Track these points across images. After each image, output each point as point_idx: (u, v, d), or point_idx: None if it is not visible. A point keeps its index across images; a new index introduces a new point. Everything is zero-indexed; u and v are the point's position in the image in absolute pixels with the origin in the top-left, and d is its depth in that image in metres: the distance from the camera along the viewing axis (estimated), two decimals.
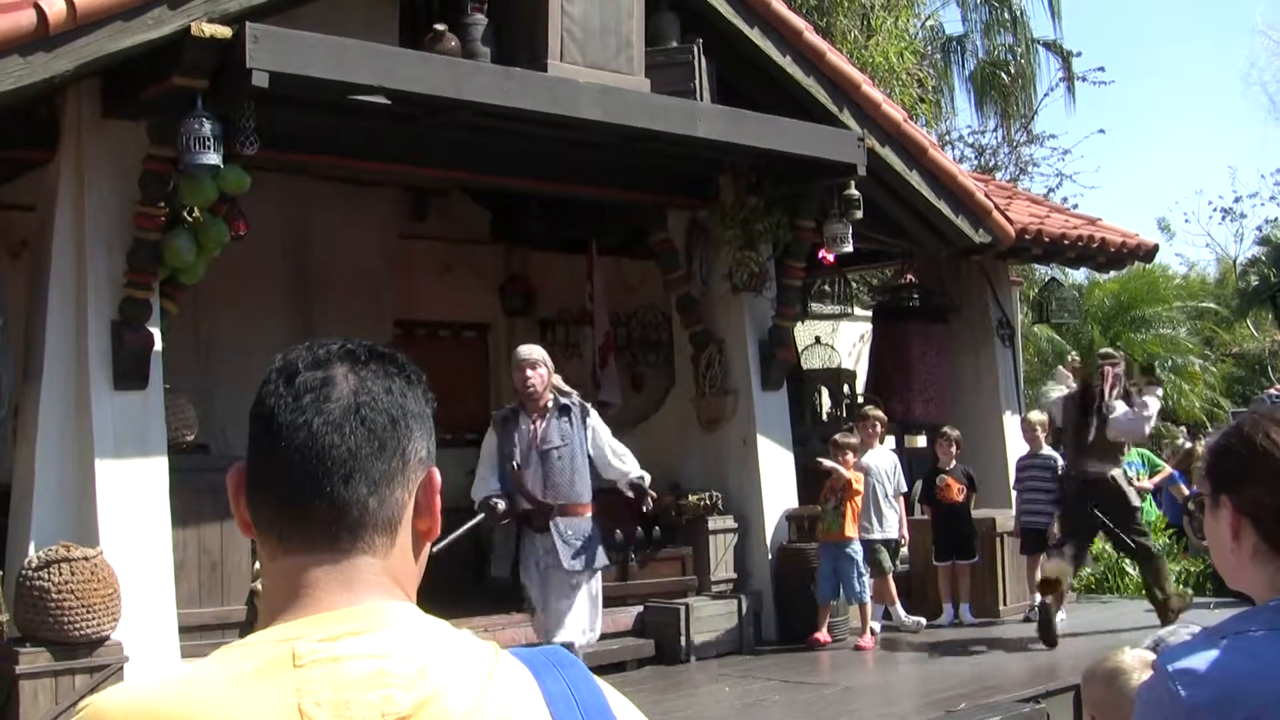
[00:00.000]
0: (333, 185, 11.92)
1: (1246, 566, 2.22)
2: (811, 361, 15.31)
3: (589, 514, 8.59)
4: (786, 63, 10.71)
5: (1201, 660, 2.06)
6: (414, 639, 1.44)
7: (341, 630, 1.42)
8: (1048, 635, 10.50)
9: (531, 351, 8.54)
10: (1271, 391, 5.01)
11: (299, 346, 1.59)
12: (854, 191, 11.03)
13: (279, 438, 1.50)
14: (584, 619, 8.48)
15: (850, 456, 10.90)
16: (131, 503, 8.24)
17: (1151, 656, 3.29)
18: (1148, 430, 11.40)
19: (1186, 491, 15.93)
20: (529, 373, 8.35)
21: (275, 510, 1.51)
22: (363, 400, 1.52)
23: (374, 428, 1.51)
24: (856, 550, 10.81)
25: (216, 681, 1.38)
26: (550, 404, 8.46)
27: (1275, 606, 2.14)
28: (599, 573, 8.69)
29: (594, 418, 8.73)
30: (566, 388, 8.63)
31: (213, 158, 7.80)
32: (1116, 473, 10.86)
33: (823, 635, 10.75)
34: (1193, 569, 14.31)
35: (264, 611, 1.51)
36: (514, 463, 8.32)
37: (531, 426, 8.42)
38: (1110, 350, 12.39)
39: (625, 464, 8.88)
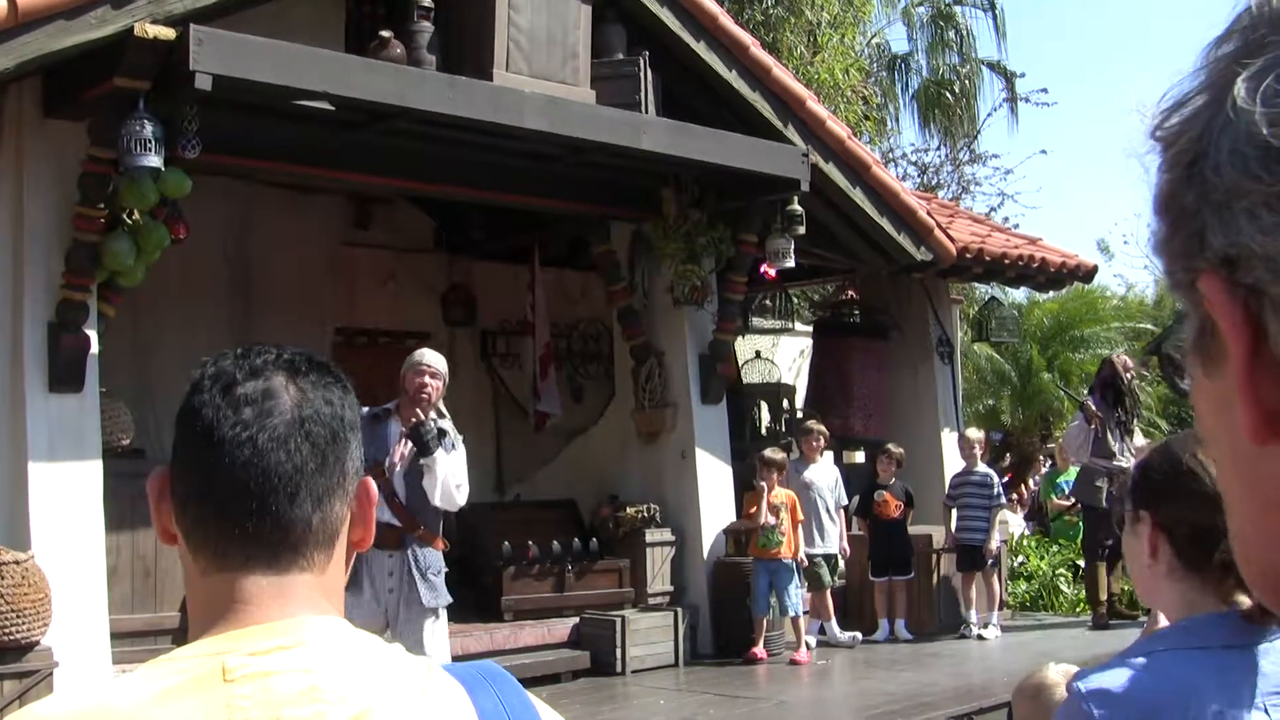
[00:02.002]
0: (275, 191, 11.85)
1: (1161, 583, 2.25)
2: (751, 376, 15.34)
3: (441, 548, 7.71)
4: (732, 77, 10.74)
5: (1114, 680, 2.08)
6: (345, 655, 1.42)
7: (273, 645, 1.39)
8: None
9: (437, 359, 7.83)
10: None
11: (229, 353, 1.53)
12: (797, 207, 11.06)
13: (219, 452, 1.45)
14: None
15: (777, 475, 10.90)
16: (65, 507, 8.14)
17: (1072, 668, 3.33)
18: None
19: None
20: (428, 379, 7.61)
21: (213, 526, 1.46)
22: (306, 414, 1.48)
23: (317, 443, 1.48)
24: (793, 565, 10.84)
25: (145, 696, 1.34)
26: (425, 417, 7.59)
27: (1185, 626, 2.17)
28: (444, 614, 7.77)
29: (462, 450, 7.80)
30: (444, 409, 7.84)
31: (154, 160, 7.74)
32: None
33: (760, 651, 10.76)
34: (1127, 587, 14.41)
35: (192, 625, 1.48)
36: (384, 463, 7.44)
37: (400, 431, 7.63)
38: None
39: (455, 494, 7.67)
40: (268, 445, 1.45)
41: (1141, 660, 2.11)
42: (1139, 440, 11.56)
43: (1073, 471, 15.49)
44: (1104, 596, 12.09)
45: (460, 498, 7.71)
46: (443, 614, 7.69)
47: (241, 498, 1.44)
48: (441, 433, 7.59)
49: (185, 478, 1.48)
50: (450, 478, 7.57)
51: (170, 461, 1.51)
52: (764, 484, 10.74)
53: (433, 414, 7.64)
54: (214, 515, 1.46)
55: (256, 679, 1.36)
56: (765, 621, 10.86)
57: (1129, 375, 11.79)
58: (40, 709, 1.37)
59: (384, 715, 1.38)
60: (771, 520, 10.70)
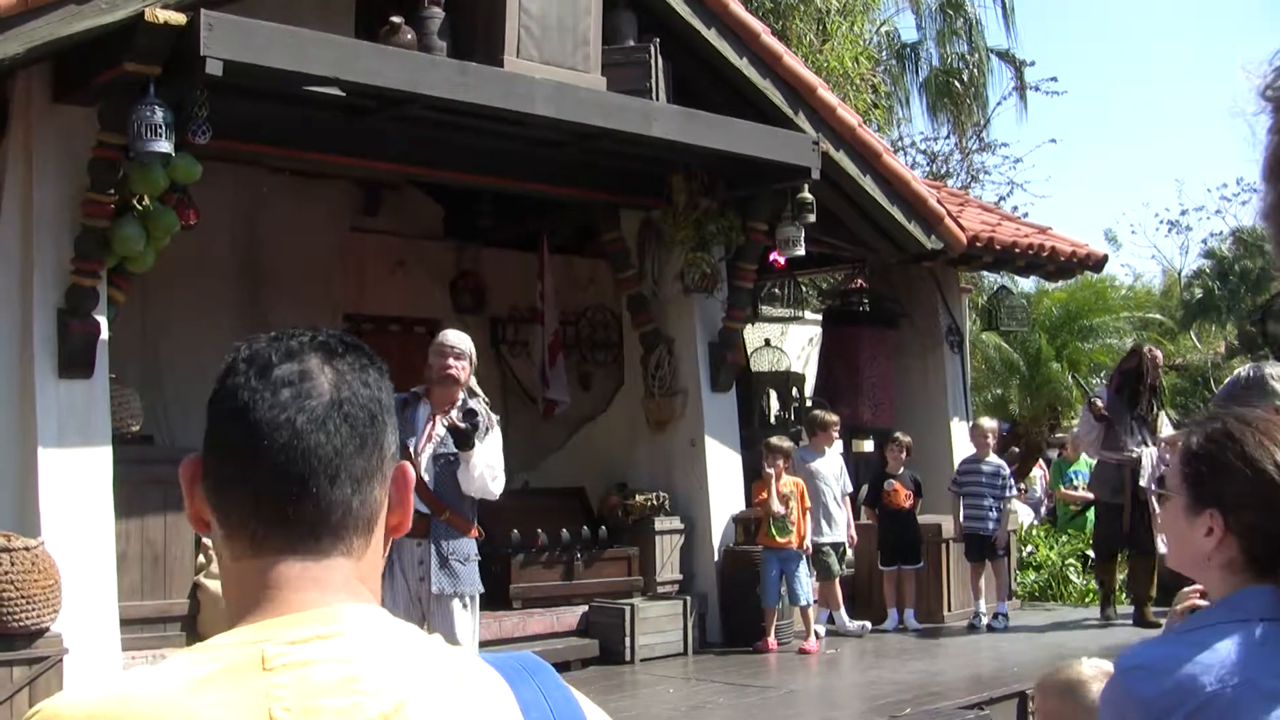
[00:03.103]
0: (284, 177, 11.82)
1: (1214, 571, 2.25)
2: (760, 364, 15.31)
3: (474, 534, 7.62)
4: (743, 65, 10.70)
5: (1153, 656, 2.11)
6: (384, 644, 1.40)
7: (310, 633, 1.37)
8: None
9: (461, 339, 7.65)
10: (1243, 372, 4.99)
11: (263, 336, 1.52)
12: (807, 195, 11.03)
13: (258, 435, 1.43)
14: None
15: (783, 462, 10.88)
16: (74, 493, 8.14)
17: (1109, 666, 3.30)
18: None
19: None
20: (451, 361, 7.49)
21: (251, 510, 1.44)
22: (344, 396, 1.47)
23: (355, 424, 1.46)
24: (802, 553, 10.82)
25: (180, 685, 1.32)
26: (459, 402, 7.52)
27: (1227, 601, 2.18)
28: (476, 600, 7.68)
29: (496, 431, 7.68)
30: (478, 389, 7.74)
31: (164, 146, 7.72)
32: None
33: (770, 641, 10.74)
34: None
35: (230, 612, 1.45)
36: (410, 448, 7.35)
37: (430, 420, 7.54)
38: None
39: (490, 484, 7.55)
40: (306, 427, 1.44)
41: (1182, 635, 2.13)
42: (1166, 429, 11.46)
43: (1082, 462, 15.48)
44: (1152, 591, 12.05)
45: (496, 488, 7.58)
46: (472, 601, 7.59)
47: (281, 480, 1.43)
48: (471, 413, 7.40)
49: (222, 461, 1.47)
50: (486, 470, 7.45)
51: (203, 446, 1.49)
52: (771, 471, 10.71)
53: (463, 394, 7.56)
54: (252, 499, 1.44)
55: (294, 668, 1.34)
56: (775, 611, 10.84)
57: (1156, 370, 11.70)
58: (77, 698, 1.34)
59: (422, 705, 1.36)
60: (781, 509, 10.67)
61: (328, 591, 1.43)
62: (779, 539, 10.70)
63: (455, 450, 7.41)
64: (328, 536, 1.45)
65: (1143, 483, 11.44)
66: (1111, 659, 3.51)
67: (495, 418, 7.75)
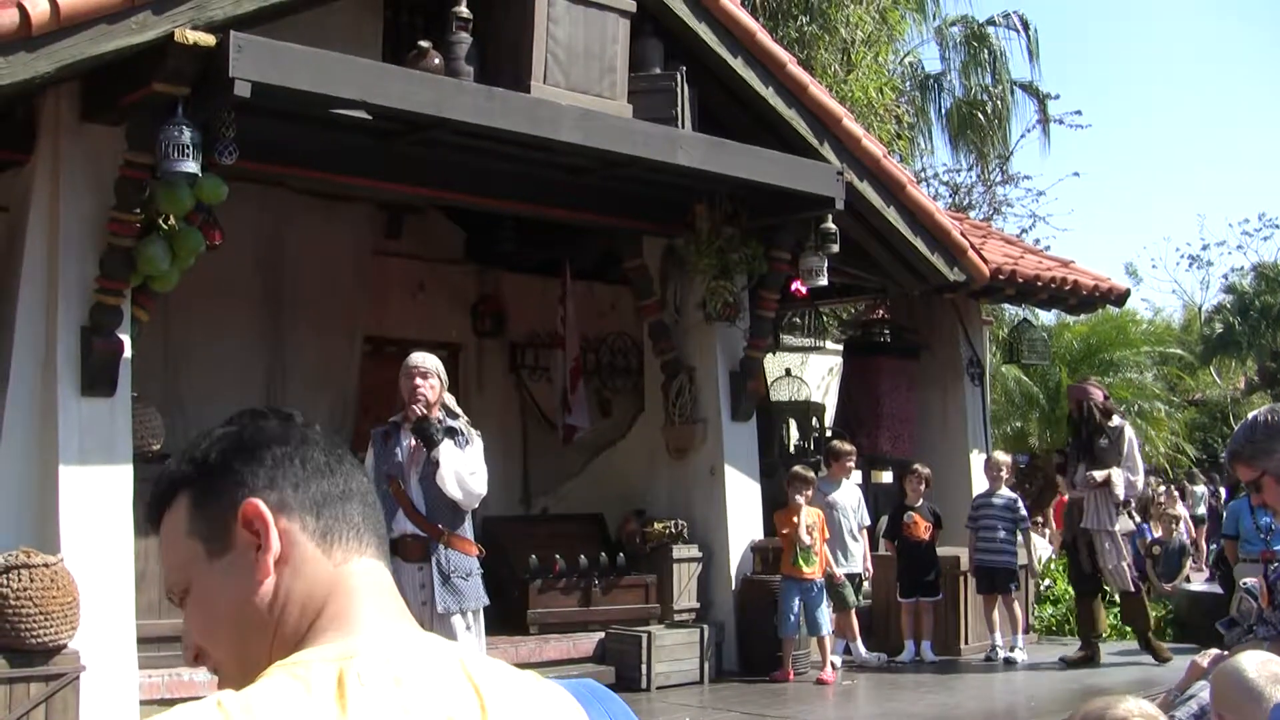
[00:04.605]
0: (307, 198, 11.85)
1: None
2: (780, 394, 15.29)
3: (474, 552, 7.74)
4: (769, 94, 10.71)
5: None
6: (463, 665, 1.46)
7: (395, 655, 1.43)
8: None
9: (425, 359, 7.82)
10: (1261, 416, 4.88)
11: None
12: (831, 225, 11.02)
13: (336, 461, 1.63)
14: None
15: (810, 492, 10.86)
16: (94, 511, 8.14)
17: (1152, 709, 3.27)
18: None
19: (1149, 538, 16.00)
20: (419, 381, 7.64)
21: (355, 514, 1.59)
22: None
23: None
24: (822, 584, 10.79)
25: (289, 702, 1.35)
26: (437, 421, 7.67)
27: None
28: (480, 615, 7.78)
29: (477, 444, 7.80)
30: (457, 409, 7.91)
31: (191, 166, 7.74)
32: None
33: (789, 671, 10.69)
34: (1154, 613, 14.33)
35: (304, 626, 1.51)
36: (397, 478, 7.57)
37: (410, 442, 7.71)
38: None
39: (469, 481, 7.64)
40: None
41: None
42: (1116, 477, 11.26)
43: None
44: (1100, 630, 11.96)
45: (477, 486, 7.69)
46: (475, 617, 7.70)
47: (373, 501, 1.64)
48: (451, 431, 7.66)
49: (323, 485, 1.59)
50: (462, 467, 7.59)
51: (278, 481, 1.57)
52: (800, 500, 10.69)
53: (439, 414, 7.71)
54: (358, 513, 1.60)
55: (390, 686, 1.38)
56: (793, 641, 10.79)
57: (1086, 405, 11.57)
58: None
59: None
60: (808, 539, 10.65)
61: (399, 600, 1.56)
62: (805, 569, 10.65)
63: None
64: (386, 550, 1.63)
65: (1084, 523, 11.42)
66: (1133, 694, 3.50)
67: (476, 433, 7.91)
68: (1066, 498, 12.32)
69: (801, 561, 10.67)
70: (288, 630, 1.50)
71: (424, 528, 7.57)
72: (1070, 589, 14.05)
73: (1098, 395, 11.73)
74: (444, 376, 7.90)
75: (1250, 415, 4.25)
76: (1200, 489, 22.21)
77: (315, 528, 1.53)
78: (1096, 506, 11.29)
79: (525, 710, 1.44)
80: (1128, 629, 13.78)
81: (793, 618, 10.68)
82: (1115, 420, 11.58)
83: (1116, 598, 12.19)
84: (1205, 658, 4.11)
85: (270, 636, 1.50)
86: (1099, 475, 11.17)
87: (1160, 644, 11.62)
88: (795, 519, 10.69)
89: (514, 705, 1.43)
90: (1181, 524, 18.05)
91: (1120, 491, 11.21)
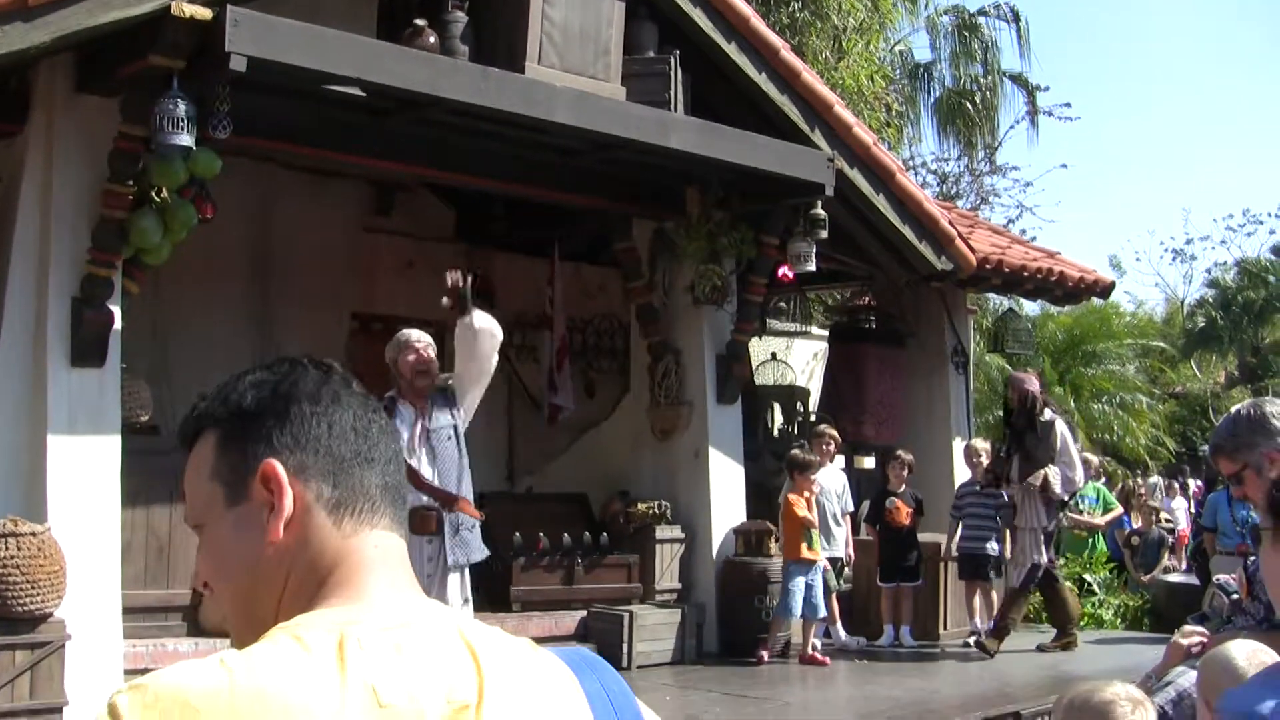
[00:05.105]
0: (297, 174, 11.86)
1: None
2: (763, 378, 15.34)
3: (478, 516, 8.09)
4: (762, 80, 10.74)
5: (1267, 706, 2.09)
6: (461, 633, 1.49)
7: (398, 621, 1.46)
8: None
9: (423, 334, 8.22)
10: (1243, 409, 4.93)
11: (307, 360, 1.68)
12: (820, 212, 11.06)
13: (367, 424, 1.63)
14: None
15: (811, 474, 10.94)
16: (82, 481, 8.17)
17: (1138, 693, 3.33)
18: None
19: (1128, 529, 16.10)
20: (427, 353, 8.00)
21: (379, 485, 1.60)
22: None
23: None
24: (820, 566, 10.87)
25: (289, 660, 1.38)
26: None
27: None
28: (468, 574, 8.10)
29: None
30: (449, 383, 8.22)
31: (185, 139, 7.76)
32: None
33: (769, 653, 10.74)
34: (1132, 603, 14.45)
35: (305, 584, 1.54)
36: (405, 451, 7.64)
37: (414, 411, 7.94)
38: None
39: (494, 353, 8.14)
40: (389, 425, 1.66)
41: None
42: (1053, 475, 11.21)
43: (1090, 487, 15.55)
44: (1074, 615, 12.08)
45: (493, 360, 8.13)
46: (465, 575, 8.01)
47: (395, 461, 1.64)
48: (443, 390, 8.09)
49: (343, 448, 1.60)
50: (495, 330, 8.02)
51: (299, 440, 1.59)
52: (812, 479, 10.86)
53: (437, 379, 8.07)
54: (378, 478, 1.61)
55: (389, 651, 1.41)
56: (791, 624, 10.83)
57: (1030, 396, 11.51)
58: (192, 680, 1.35)
59: (506, 691, 1.45)
60: (815, 521, 10.74)
61: (408, 570, 1.59)
62: (809, 552, 10.69)
63: (449, 428, 7.98)
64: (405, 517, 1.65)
65: (1016, 521, 11.46)
66: (1113, 681, 3.56)
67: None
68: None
69: (809, 543, 10.72)
70: (294, 593, 1.53)
71: (435, 494, 7.79)
72: (1071, 574, 14.19)
73: (1037, 387, 11.75)
74: (434, 346, 8.19)
75: (1233, 409, 4.30)
76: (1192, 483, 22.31)
77: (330, 497, 1.55)
78: (1026, 504, 11.31)
79: (521, 679, 1.47)
80: (1104, 616, 13.91)
81: (799, 601, 10.72)
82: (1047, 415, 11.50)
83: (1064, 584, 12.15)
84: (1186, 638, 4.16)
85: (276, 596, 1.53)
86: (1036, 480, 11.19)
87: (997, 644, 11.35)
88: (809, 500, 10.77)
89: (511, 674, 1.47)
90: (1183, 515, 18.13)
91: (1058, 488, 11.21)
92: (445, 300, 8.01)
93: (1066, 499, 11.82)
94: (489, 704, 1.42)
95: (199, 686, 1.33)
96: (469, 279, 8.00)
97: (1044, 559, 11.30)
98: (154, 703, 1.31)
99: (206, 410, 1.63)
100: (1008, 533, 11.75)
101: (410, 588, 1.56)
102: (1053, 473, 11.19)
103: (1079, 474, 11.67)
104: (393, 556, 1.57)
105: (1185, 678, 3.98)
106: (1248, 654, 3.45)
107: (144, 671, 1.35)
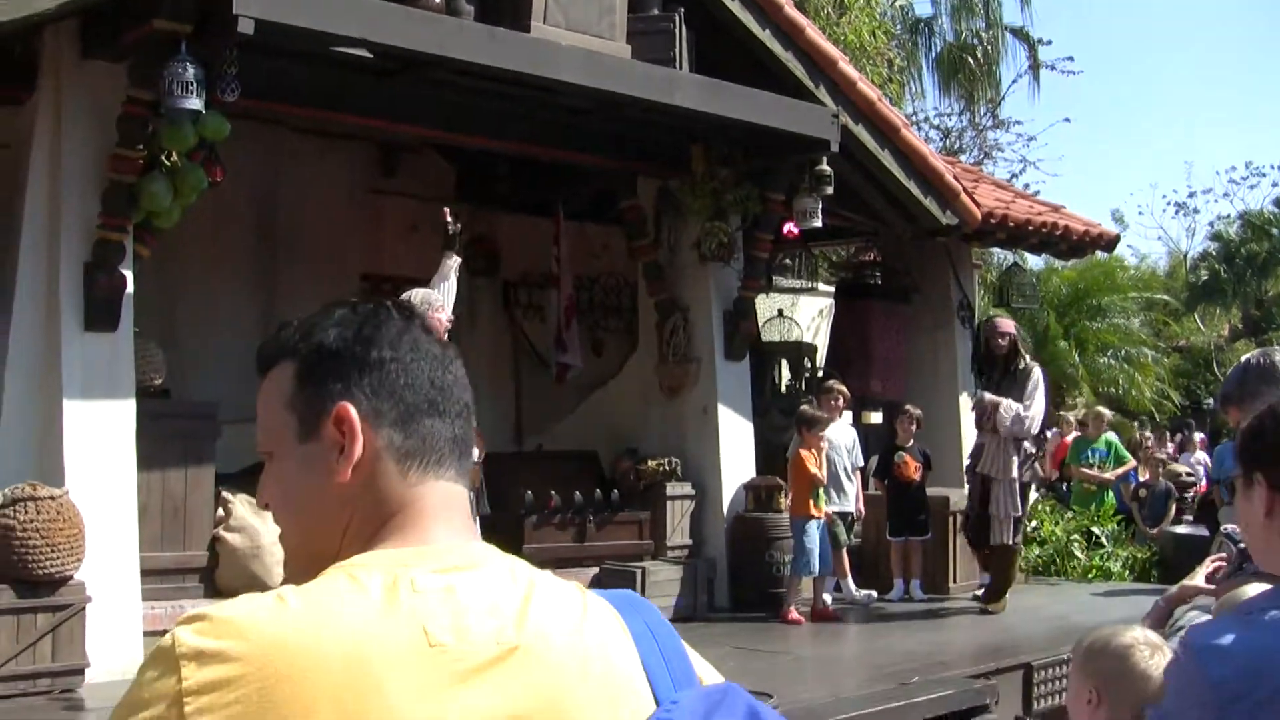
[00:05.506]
0: (302, 137, 11.88)
1: (1276, 545, 2.28)
2: (771, 335, 15.35)
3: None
4: (766, 36, 10.72)
5: (1228, 638, 2.11)
6: (513, 576, 1.53)
7: (451, 564, 1.49)
8: None
9: (431, 295, 8.49)
10: (1252, 359, 4.96)
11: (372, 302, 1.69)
12: (826, 168, 11.07)
13: (443, 374, 1.64)
14: None
15: (820, 430, 10.96)
16: (98, 445, 8.23)
17: (1156, 638, 3.39)
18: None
19: (1134, 482, 16.16)
20: (441, 316, 8.19)
21: (444, 439, 1.61)
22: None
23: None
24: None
25: (343, 597, 1.41)
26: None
27: None
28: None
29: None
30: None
31: (195, 102, 7.77)
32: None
33: (796, 612, 10.77)
34: (1140, 555, 14.51)
35: (361, 528, 1.56)
36: None
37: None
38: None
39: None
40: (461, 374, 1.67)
41: (1257, 619, 2.14)
42: (1007, 407, 10.86)
43: (1101, 440, 15.59)
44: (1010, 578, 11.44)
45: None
46: None
47: (464, 414, 1.64)
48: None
49: (413, 398, 1.60)
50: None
51: (365, 386, 1.59)
52: (821, 435, 10.87)
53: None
54: (445, 427, 1.62)
55: (441, 593, 1.45)
56: (800, 581, 10.87)
57: (996, 343, 11.24)
58: (248, 609, 1.39)
59: (554, 632, 1.48)
60: (823, 477, 10.77)
61: (461, 523, 1.59)
62: (815, 509, 10.73)
63: None
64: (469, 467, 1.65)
65: (980, 468, 11.14)
66: (1131, 625, 3.61)
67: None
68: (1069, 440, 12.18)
69: (814, 500, 10.74)
70: (355, 533, 1.55)
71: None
72: (1055, 529, 14.22)
73: (999, 325, 11.49)
74: None
75: (1242, 359, 4.32)
76: (1197, 436, 22.31)
77: (400, 445, 1.57)
78: (995, 452, 11.03)
79: (570, 621, 1.51)
80: (1112, 568, 13.96)
81: (817, 558, 10.72)
82: (1024, 361, 11.31)
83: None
84: (1200, 574, 4.19)
85: (338, 535, 1.56)
86: (989, 397, 10.97)
87: (999, 604, 11.27)
88: (820, 456, 10.80)
89: (559, 616, 1.50)
90: (1202, 470, 18.11)
91: (1007, 422, 10.83)
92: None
93: (1038, 453, 11.55)
94: (536, 645, 1.46)
95: (255, 617, 1.37)
96: (459, 223, 9.22)
97: (1020, 511, 11.14)
98: (209, 630, 1.35)
99: (289, 342, 1.64)
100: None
101: (469, 535, 1.58)
102: (1006, 406, 10.87)
103: (1034, 424, 11.09)
104: (454, 505, 1.59)
105: (1186, 618, 4.02)
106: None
107: (163, 633, 1.39)
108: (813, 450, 10.80)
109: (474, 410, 1.65)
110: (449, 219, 9.21)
